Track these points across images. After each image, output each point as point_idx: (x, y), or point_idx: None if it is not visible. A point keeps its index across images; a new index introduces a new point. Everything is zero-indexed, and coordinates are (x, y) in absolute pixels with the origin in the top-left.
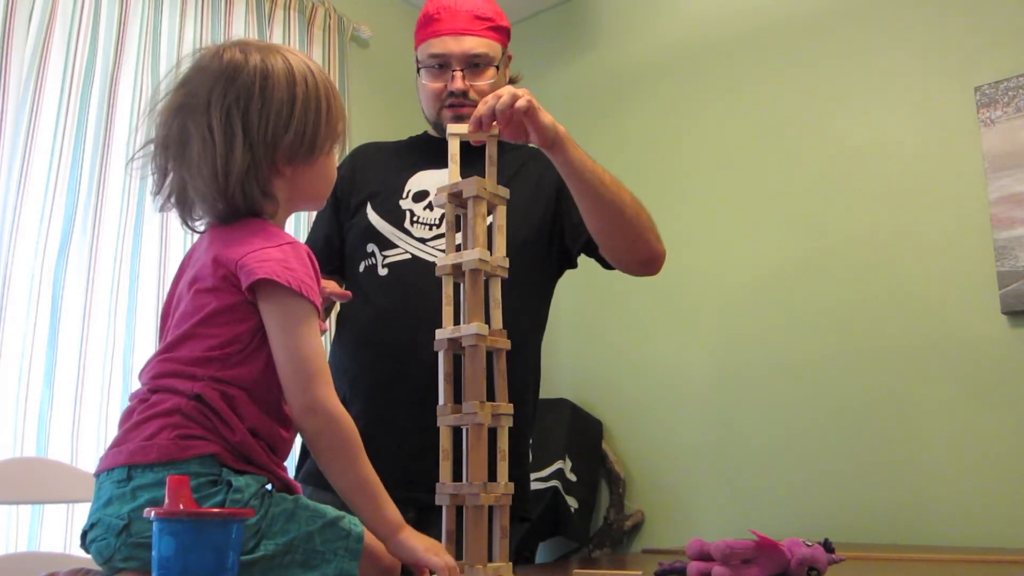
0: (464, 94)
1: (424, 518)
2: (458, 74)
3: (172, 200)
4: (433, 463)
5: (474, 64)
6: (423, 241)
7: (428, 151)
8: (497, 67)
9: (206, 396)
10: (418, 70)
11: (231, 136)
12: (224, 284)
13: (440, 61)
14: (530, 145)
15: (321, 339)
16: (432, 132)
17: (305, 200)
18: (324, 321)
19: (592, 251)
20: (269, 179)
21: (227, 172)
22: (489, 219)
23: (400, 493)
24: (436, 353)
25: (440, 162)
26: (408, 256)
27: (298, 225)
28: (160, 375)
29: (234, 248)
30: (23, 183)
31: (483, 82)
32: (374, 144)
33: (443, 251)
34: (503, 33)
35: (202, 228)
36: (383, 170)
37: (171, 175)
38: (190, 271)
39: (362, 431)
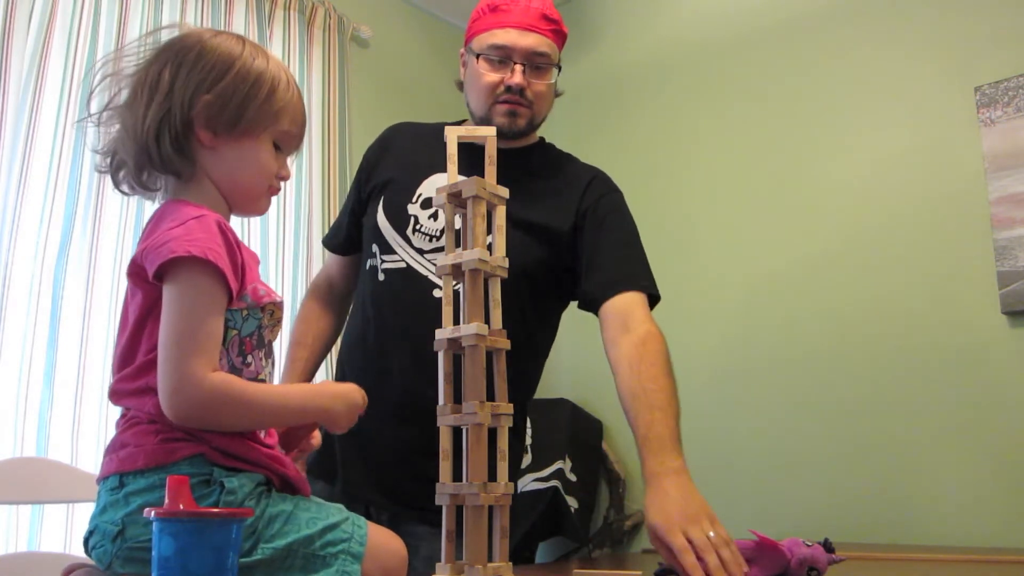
0: (521, 91)
1: (395, 524)
2: (518, 68)
3: (106, 159)
4: (405, 476)
5: (536, 64)
6: (421, 252)
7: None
8: (559, 67)
9: (159, 415)
10: (476, 58)
11: (156, 89)
12: (138, 283)
13: (502, 54)
14: (585, 166)
15: (219, 318)
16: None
17: (231, 184)
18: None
19: (580, 300)
20: (184, 136)
21: (144, 118)
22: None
23: (374, 497)
24: (412, 370)
25: (460, 170)
26: (403, 265)
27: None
28: (121, 395)
29: (141, 241)
30: (23, 183)
31: (542, 82)
32: (409, 127)
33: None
34: (563, 40)
35: (126, 189)
36: (404, 160)
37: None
38: None
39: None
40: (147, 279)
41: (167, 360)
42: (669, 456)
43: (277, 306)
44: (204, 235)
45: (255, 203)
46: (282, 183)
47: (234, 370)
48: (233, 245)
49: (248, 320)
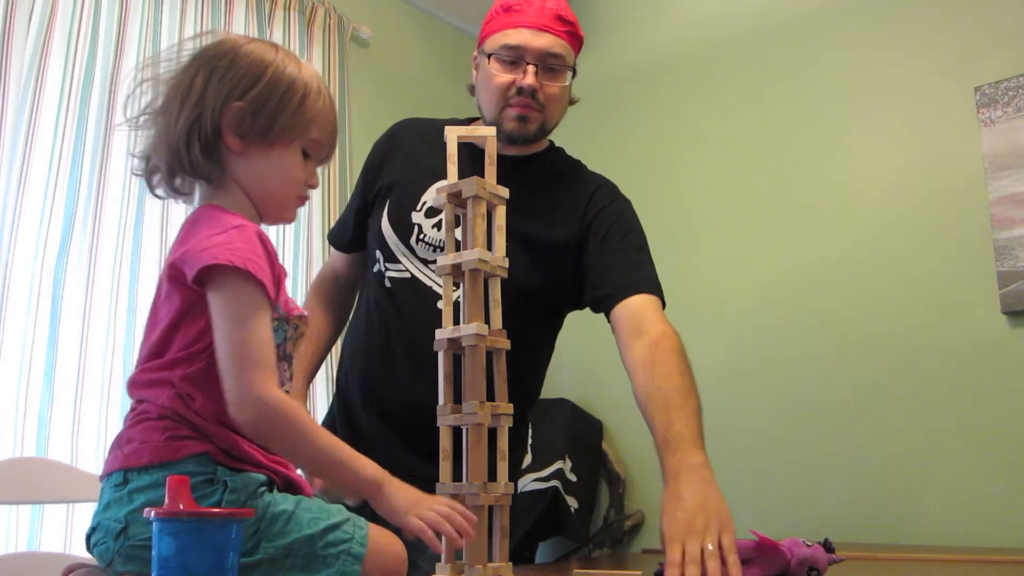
0: (533, 93)
1: None
2: (531, 69)
3: (142, 163)
4: (406, 479)
5: (549, 65)
6: (425, 263)
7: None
8: (573, 70)
9: (176, 408)
10: (487, 58)
11: (188, 94)
12: (175, 286)
13: (515, 55)
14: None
15: (268, 324)
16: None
17: (260, 192)
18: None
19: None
20: (214, 141)
21: (176, 123)
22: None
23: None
24: (414, 378)
25: (464, 172)
26: (408, 275)
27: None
28: (140, 385)
29: (180, 246)
30: (23, 183)
31: (556, 85)
32: (416, 124)
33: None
34: (578, 43)
35: (160, 194)
36: (409, 163)
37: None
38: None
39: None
40: (185, 282)
41: (228, 372)
42: (688, 452)
43: (302, 320)
44: (246, 246)
45: (283, 211)
46: (310, 192)
47: None
48: (273, 257)
49: (277, 332)
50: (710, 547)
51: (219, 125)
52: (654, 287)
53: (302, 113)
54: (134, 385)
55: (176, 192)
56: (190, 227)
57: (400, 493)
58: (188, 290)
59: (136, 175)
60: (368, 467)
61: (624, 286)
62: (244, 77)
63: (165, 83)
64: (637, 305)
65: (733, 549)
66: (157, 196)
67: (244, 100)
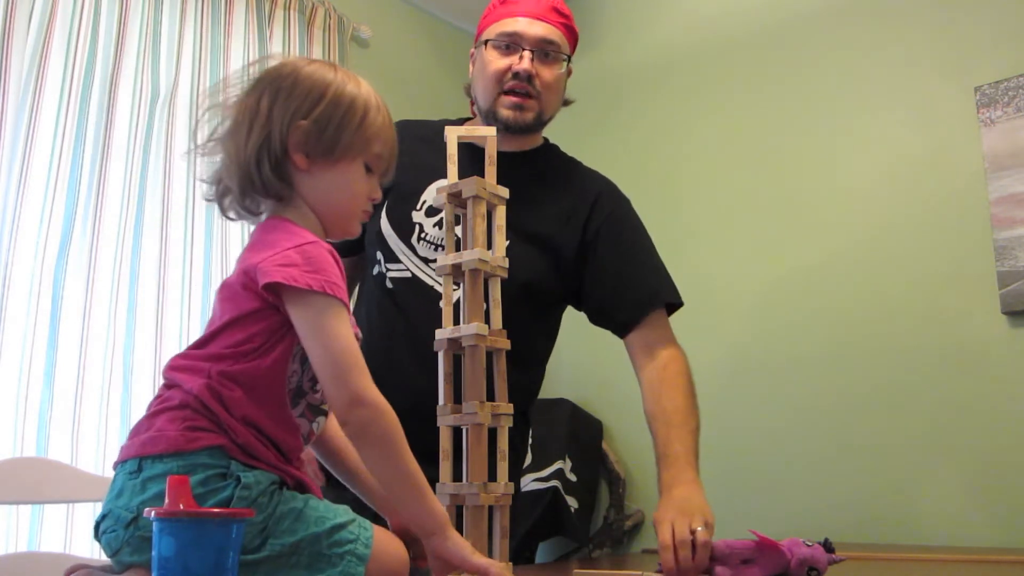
0: (529, 78)
1: None
2: (527, 54)
3: (212, 187)
4: None
5: (545, 51)
6: (425, 261)
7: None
8: (568, 58)
9: (203, 398)
10: (484, 45)
11: (256, 114)
12: (245, 292)
13: (510, 40)
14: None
15: (354, 335)
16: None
17: (326, 207)
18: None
19: (591, 314)
20: (282, 161)
21: (246, 144)
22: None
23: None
24: (416, 380)
25: (464, 172)
26: (408, 275)
27: None
28: (174, 368)
29: (255, 253)
30: (23, 183)
31: (551, 72)
32: (412, 125)
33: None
34: (574, 37)
35: (232, 215)
36: (406, 163)
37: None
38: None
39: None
40: (256, 289)
41: (332, 379)
42: (682, 470)
43: (356, 338)
44: (327, 268)
45: (348, 225)
46: (372, 204)
47: (301, 392)
48: (343, 274)
49: None
50: (699, 529)
51: (286, 144)
52: (663, 296)
53: (364, 130)
54: (171, 368)
55: (246, 211)
56: (262, 234)
57: (451, 539)
58: (256, 296)
59: (207, 200)
60: (439, 504)
61: (634, 307)
62: (307, 97)
63: (230, 108)
64: (648, 326)
65: (707, 544)
66: (228, 218)
67: (309, 119)
